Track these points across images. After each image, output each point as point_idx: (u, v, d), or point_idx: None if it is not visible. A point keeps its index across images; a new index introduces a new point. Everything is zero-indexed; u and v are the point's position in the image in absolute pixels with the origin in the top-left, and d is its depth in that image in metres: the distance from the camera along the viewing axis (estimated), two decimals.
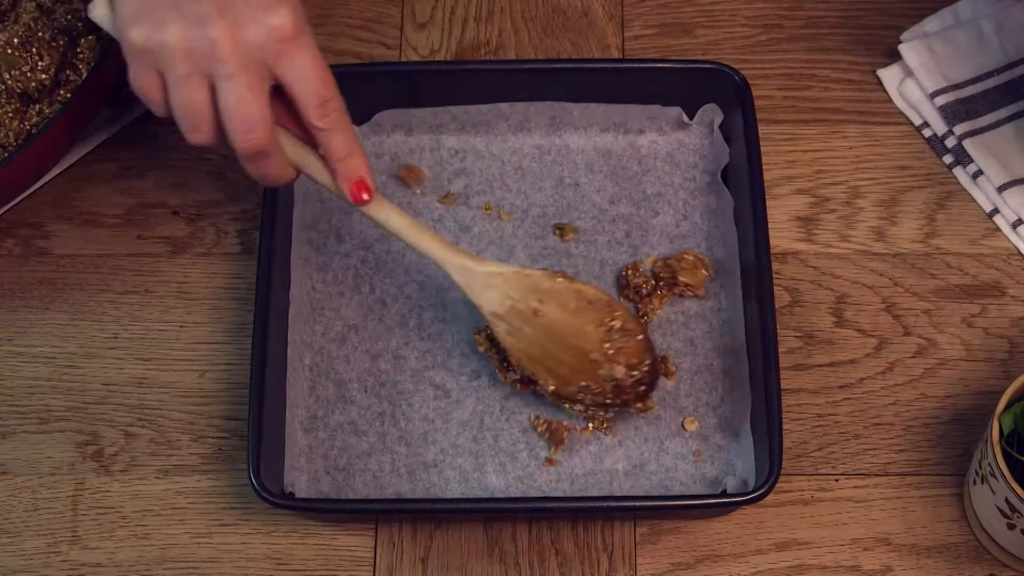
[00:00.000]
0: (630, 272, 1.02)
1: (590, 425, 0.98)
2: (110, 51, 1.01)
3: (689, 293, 1.02)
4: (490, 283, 0.94)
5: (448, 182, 1.07)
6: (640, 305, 1.02)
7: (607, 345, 0.95)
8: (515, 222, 1.06)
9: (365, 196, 0.90)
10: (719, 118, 1.06)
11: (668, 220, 1.05)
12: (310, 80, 0.84)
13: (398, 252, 1.05)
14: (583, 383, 0.96)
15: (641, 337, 0.96)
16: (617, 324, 0.95)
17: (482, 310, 0.94)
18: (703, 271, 1.02)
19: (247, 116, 0.84)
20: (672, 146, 1.07)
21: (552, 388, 0.96)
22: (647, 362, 0.96)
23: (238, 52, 0.82)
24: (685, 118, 1.07)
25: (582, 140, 1.08)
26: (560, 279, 0.95)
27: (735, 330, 1.00)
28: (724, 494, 0.95)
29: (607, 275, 1.04)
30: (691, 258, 1.02)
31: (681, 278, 1.01)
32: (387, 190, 1.06)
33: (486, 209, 1.06)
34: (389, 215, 0.93)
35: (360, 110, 1.07)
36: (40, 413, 1.02)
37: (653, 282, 1.02)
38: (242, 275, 1.05)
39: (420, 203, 1.06)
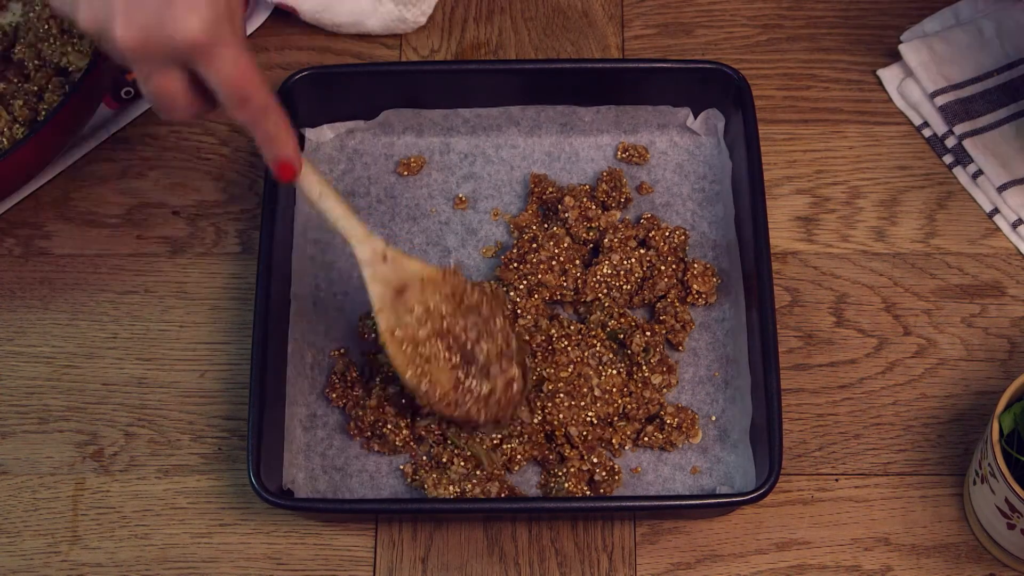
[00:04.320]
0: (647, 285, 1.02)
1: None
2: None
3: (701, 302, 1.02)
4: (390, 272, 0.93)
5: (456, 186, 1.07)
6: (674, 322, 1.01)
7: (481, 345, 0.94)
8: None
9: (286, 175, 0.89)
10: (721, 123, 1.06)
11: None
12: (226, 83, 0.83)
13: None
14: (458, 388, 0.94)
15: (512, 346, 0.95)
16: (497, 325, 0.95)
17: (372, 296, 0.93)
18: (714, 279, 1.02)
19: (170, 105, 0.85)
20: (682, 156, 1.07)
21: (426, 391, 0.94)
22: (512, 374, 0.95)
23: (146, 59, 0.82)
24: (691, 121, 1.07)
25: (592, 148, 1.08)
26: (456, 274, 0.95)
27: (738, 341, 1.00)
28: (724, 494, 0.95)
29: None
30: (699, 267, 1.02)
31: (694, 286, 1.01)
32: (394, 190, 1.06)
33: (494, 215, 1.06)
34: (313, 186, 0.92)
35: (361, 110, 1.07)
36: (40, 413, 1.02)
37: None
38: (242, 275, 1.06)
39: (427, 205, 1.06)
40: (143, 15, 0.80)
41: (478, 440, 0.97)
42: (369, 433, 0.98)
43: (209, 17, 0.81)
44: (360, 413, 0.98)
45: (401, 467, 0.98)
